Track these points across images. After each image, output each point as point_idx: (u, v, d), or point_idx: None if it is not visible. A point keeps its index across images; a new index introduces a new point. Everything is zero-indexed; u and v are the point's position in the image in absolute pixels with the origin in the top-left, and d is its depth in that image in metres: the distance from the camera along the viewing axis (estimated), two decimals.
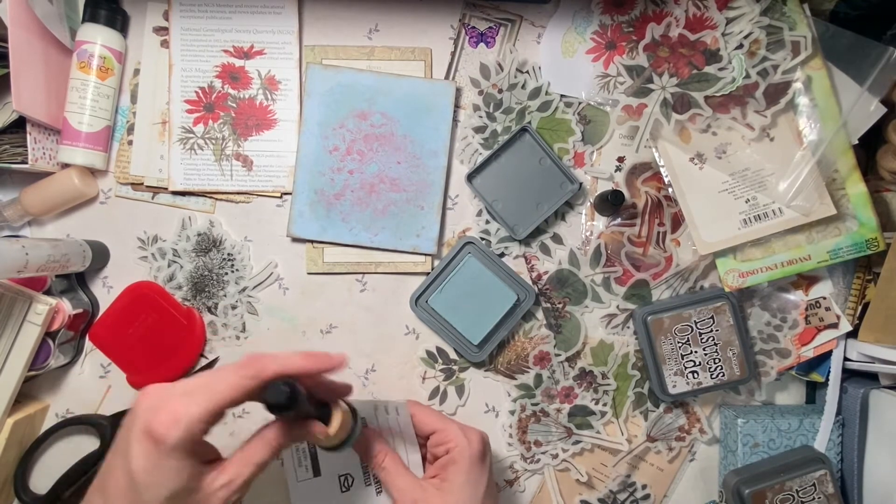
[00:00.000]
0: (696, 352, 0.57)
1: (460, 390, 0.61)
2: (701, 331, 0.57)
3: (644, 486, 0.61)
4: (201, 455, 0.39)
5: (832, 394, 0.57)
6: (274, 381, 0.38)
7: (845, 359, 0.58)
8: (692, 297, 0.58)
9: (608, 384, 0.60)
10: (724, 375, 0.57)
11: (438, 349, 0.61)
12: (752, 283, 0.56)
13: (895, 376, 0.55)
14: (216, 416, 0.37)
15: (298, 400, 0.37)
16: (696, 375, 0.57)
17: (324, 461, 0.55)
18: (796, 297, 0.59)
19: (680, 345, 0.57)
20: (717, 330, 0.57)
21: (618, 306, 0.60)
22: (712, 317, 0.57)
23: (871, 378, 0.58)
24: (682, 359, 0.57)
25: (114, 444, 0.39)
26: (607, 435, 0.60)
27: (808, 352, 0.58)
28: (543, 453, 0.60)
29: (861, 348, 0.56)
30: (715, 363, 0.57)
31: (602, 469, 0.61)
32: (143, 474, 0.36)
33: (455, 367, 0.61)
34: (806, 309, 0.58)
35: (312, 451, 0.55)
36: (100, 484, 0.39)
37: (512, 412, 0.61)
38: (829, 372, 0.58)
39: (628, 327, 0.61)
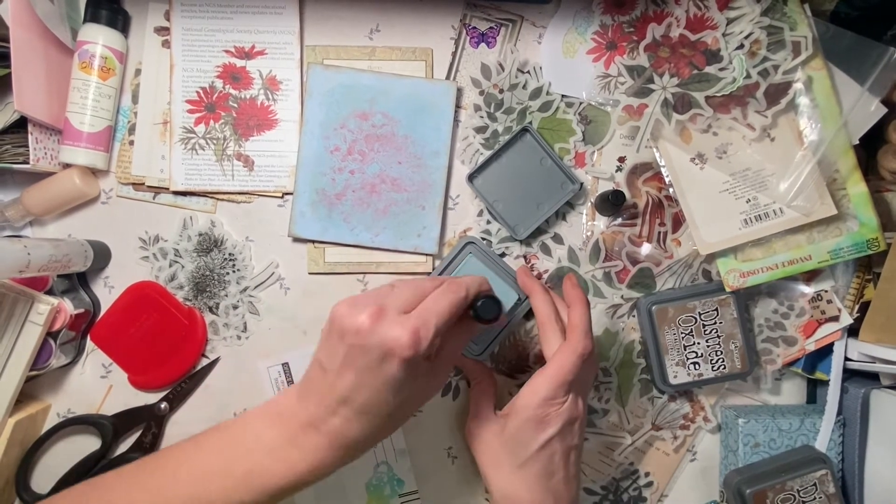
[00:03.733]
0: (698, 343, 0.57)
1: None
2: (705, 322, 0.57)
3: (647, 474, 0.61)
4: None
5: (833, 393, 0.57)
6: (481, 298, 0.45)
7: (846, 358, 0.58)
8: (697, 289, 0.58)
9: (609, 381, 0.60)
10: (724, 368, 0.57)
11: None
12: (752, 284, 0.56)
13: None
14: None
15: (503, 310, 0.46)
16: (697, 367, 0.58)
17: None
18: (803, 285, 0.59)
19: (683, 335, 0.57)
20: (720, 322, 0.57)
21: (622, 296, 0.60)
22: (716, 309, 0.57)
23: (872, 378, 0.58)
24: (685, 349, 0.57)
25: (339, 362, 0.42)
26: (609, 429, 0.60)
27: (811, 344, 0.58)
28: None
29: (862, 348, 0.56)
30: (717, 355, 0.57)
31: (606, 459, 0.61)
32: (400, 385, 0.41)
33: None
34: (809, 301, 0.58)
35: None
36: (346, 404, 0.42)
37: None
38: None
39: (633, 316, 0.61)
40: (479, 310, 0.45)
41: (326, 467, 0.42)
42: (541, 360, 0.59)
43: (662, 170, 0.57)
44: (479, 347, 0.59)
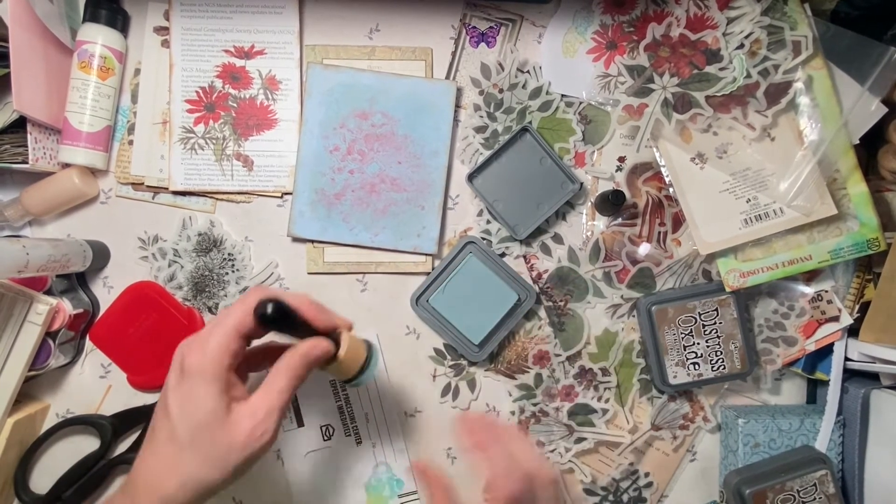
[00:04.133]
0: (698, 343, 0.57)
1: (472, 385, 0.61)
2: (704, 322, 0.57)
3: (647, 475, 0.61)
4: (231, 390, 0.41)
5: (833, 394, 0.57)
6: (264, 300, 0.41)
7: (846, 359, 0.58)
8: (697, 289, 0.58)
9: (609, 381, 0.60)
10: (724, 368, 0.57)
11: (447, 346, 0.61)
12: (752, 284, 0.56)
13: None
14: (236, 344, 0.41)
15: (288, 313, 0.41)
16: (696, 367, 0.58)
17: (307, 413, 0.61)
18: (803, 285, 0.59)
19: (683, 335, 0.57)
20: (720, 322, 0.57)
21: (622, 296, 0.60)
22: (716, 309, 0.57)
23: (872, 378, 0.58)
24: (685, 350, 0.57)
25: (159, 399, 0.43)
26: (609, 429, 0.60)
27: (811, 345, 0.58)
28: (552, 451, 0.60)
29: (862, 348, 0.56)
30: (716, 356, 0.57)
31: (605, 460, 0.61)
32: (175, 406, 0.40)
33: (464, 363, 0.61)
34: (809, 301, 0.58)
35: (296, 405, 0.61)
36: (148, 435, 0.43)
37: (512, 413, 0.61)
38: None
39: (633, 316, 0.61)
40: (259, 308, 0.41)
41: None
42: (539, 361, 0.59)
43: (662, 169, 0.57)
44: (479, 347, 0.59)
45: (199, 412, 0.40)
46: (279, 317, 0.41)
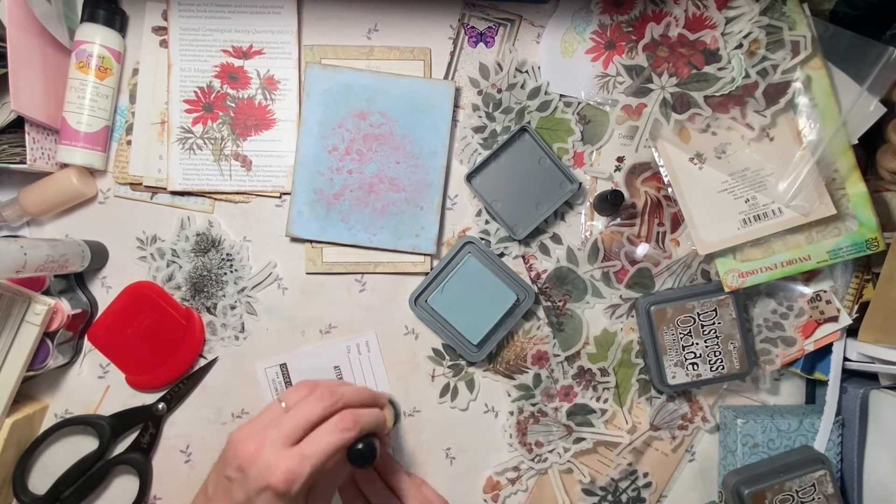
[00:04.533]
0: (697, 343, 0.57)
1: (470, 385, 0.61)
2: (703, 323, 0.57)
3: (646, 475, 0.61)
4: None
5: (832, 394, 0.57)
6: (359, 440, 0.44)
7: (845, 359, 0.58)
8: (696, 289, 0.58)
9: (607, 381, 0.60)
10: (723, 368, 0.57)
11: (445, 346, 0.61)
12: (751, 284, 0.56)
13: (895, 376, 0.55)
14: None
15: (377, 454, 0.45)
16: (695, 367, 0.57)
17: None
18: (802, 285, 0.59)
19: (682, 336, 0.57)
20: (719, 323, 0.57)
21: (621, 296, 0.60)
22: (715, 309, 0.57)
23: (871, 378, 0.57)
24: (683, 350, 0.57)
25: (220, 494, 0.44)
26: (607, 429, 0.60)
27: (810, 345, 0.58)
28: (551, 451, 0.60)
29: (861, 348, 0.56)
30: (715, 356, 0.57)
31: (604, 460, 0.61)
32: None
33: (463, 363, 0.61)
34: (808, 301, 0.58)
35: None
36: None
37: (511, 413, 0.61)
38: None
39: (631, 317, 0.61)
40: (353, 453, 0.44)
41: None
42: (538, 361, 0.59)
43: (661, 170, 0.57)
44: (477, 348, 0.59)
45: None
46: (374, 460, 0.45)
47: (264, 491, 0.41)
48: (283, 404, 0.45)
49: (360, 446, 0.44)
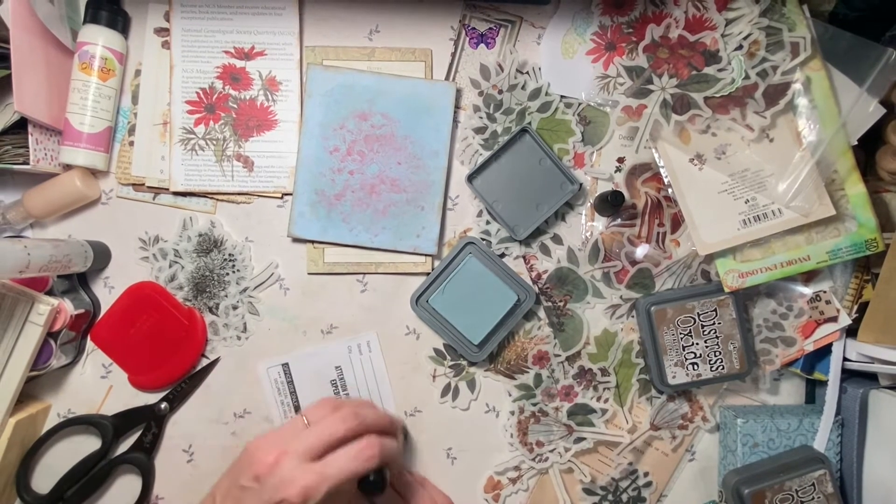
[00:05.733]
0: (697, 343, 0.57)
1: (471, 385, 0.62)
2: (703, 323, 0.57)
3: (646, 474, 0.61)
4: None
5: (831, 394, 0.57)
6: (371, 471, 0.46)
7: (845, 359, 0.58)
8: (696, 290, 0.58)
9: (608, 381, 0.61)
10: (723, 368, 0.57)
11: (446, 346, 0.61)
12: (751, 284, 0.57)
13: (894, 376, 0.55)
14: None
15: (387, 486, 0.47)
16: (696, 367, 0.58)
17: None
18: (801, 286, 0.59)
19: (682, 336, 0.57)
20: (719, 323, 0.57)
21: (621, 296, 0.60)
22: (715, 309, 0.57)
23: (871, 378, 0.58)
24: (684, 350, 0.58)
25: (230, 502, 0.44)
26: (608, 429, 0.60)
27: (809, 345, 0.58)
28: (552, 451, 0.61)
29: (860, 349, 0.56)
30: (715, 356, 0.57)
31: (605, 460, 0.61)
32: None
33: (464, 363, 0.61)
34: (808, 301, 0.58)
35: (296, 406, 0.61)
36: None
37: (512, 413, 0.61)
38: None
39: (632, 317, 0.61)
40: (366, 483, 0.46)
41: None
42: (538, 361, 0.59)
43: (661, 170, 0.57)
44: (478, 348, 0.59)
45: None
46: (383, 486, 0.47)
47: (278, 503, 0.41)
48: (306, 420, 0.45)
49: (371, 478, 0.45)
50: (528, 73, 0.60)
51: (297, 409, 0.62)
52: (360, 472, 0.44)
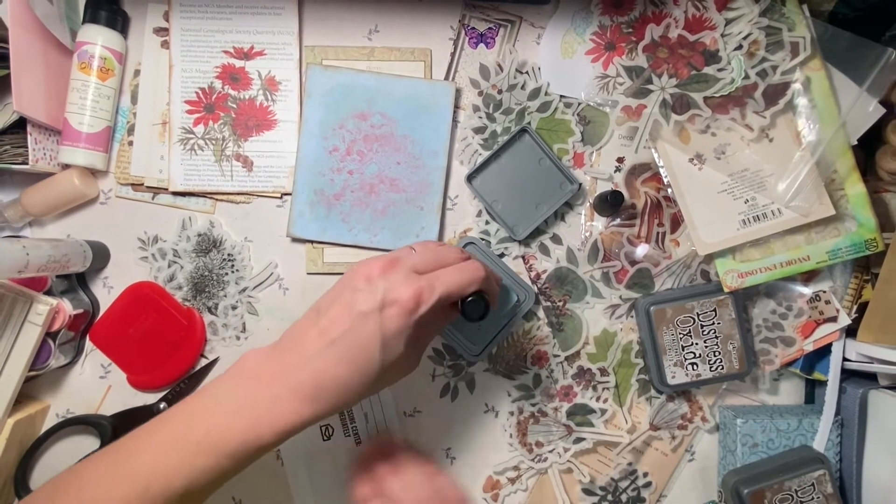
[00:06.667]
0: (696, 343, 0.57)
1: (470, 385, 0.61)
2: (703, 323, 0.57)
3: (645, 475, 0.61)
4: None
5: (831, 394, 0.57)
6: (475, 294, 0.44)
7: (844, 359, 0.58)
8: (695, 289, 0.58)
9: (607, 381, 0.60)
10: (723, 368, 0.57)
11: (445, 346, 0.61)
12: (751, 284, 0.57)
13: (894, 376, 0.55)
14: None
15: (487, 314, 0.44)
16: (695, 367, 0.58)
17: None
18: (801, 286, 0.59)
19: (681, 336, 0.57)
20: (718, 323, 0.57)
21: (620, 296, 0.60)
22: (714, 309, 0.57)
23: (870, 378, 0.58)
24: (683, 350, 0.58)
25: (339, 306, 0.41)
26: (607, 429, 0.60)
27: (809, 345, 0.58)
28: (551, 451, 0.61)
29: (860, 348, 0.56)
30: (715, 356, 0.57)
31: (604, 460, 0.61)
32: (391, 338, 0.40)
33: (463, 363, 0.61)
34: (807, 301, 0.58)
35: None
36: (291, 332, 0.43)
37: (511, 413, 0.61)
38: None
39: (631, 317, 0.61)
40: (467, 304, 0.44)
41: (288, 423, 0.40)
42: (538, 361, 0.59)
43: (661, 170, 0.57)
44: (478, 348, 0.59)
45: (405, 369, 0.43)
46: (486, 310, 0.44)
47: (392, 304, 0.40)
48: (413, 250, 0.45)
49: (472, 298, 0.43)
50: (527, 72, 0.60)
51: None
52: (466, 284, 0.42)
